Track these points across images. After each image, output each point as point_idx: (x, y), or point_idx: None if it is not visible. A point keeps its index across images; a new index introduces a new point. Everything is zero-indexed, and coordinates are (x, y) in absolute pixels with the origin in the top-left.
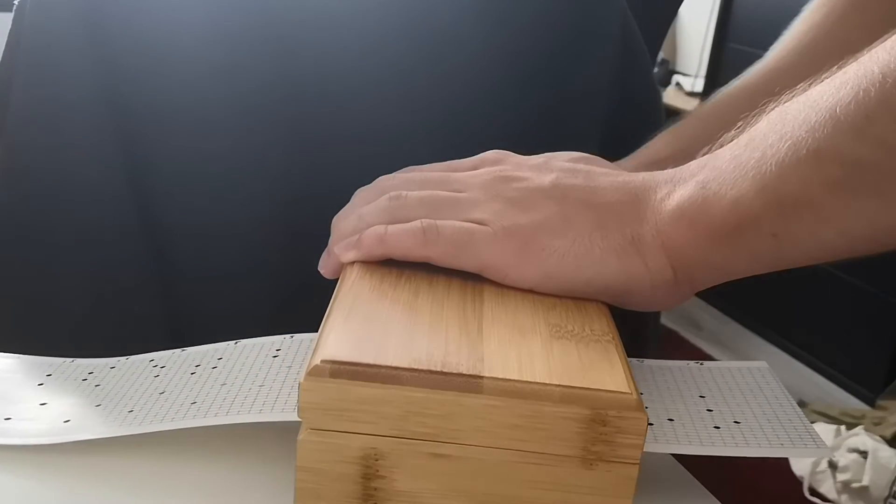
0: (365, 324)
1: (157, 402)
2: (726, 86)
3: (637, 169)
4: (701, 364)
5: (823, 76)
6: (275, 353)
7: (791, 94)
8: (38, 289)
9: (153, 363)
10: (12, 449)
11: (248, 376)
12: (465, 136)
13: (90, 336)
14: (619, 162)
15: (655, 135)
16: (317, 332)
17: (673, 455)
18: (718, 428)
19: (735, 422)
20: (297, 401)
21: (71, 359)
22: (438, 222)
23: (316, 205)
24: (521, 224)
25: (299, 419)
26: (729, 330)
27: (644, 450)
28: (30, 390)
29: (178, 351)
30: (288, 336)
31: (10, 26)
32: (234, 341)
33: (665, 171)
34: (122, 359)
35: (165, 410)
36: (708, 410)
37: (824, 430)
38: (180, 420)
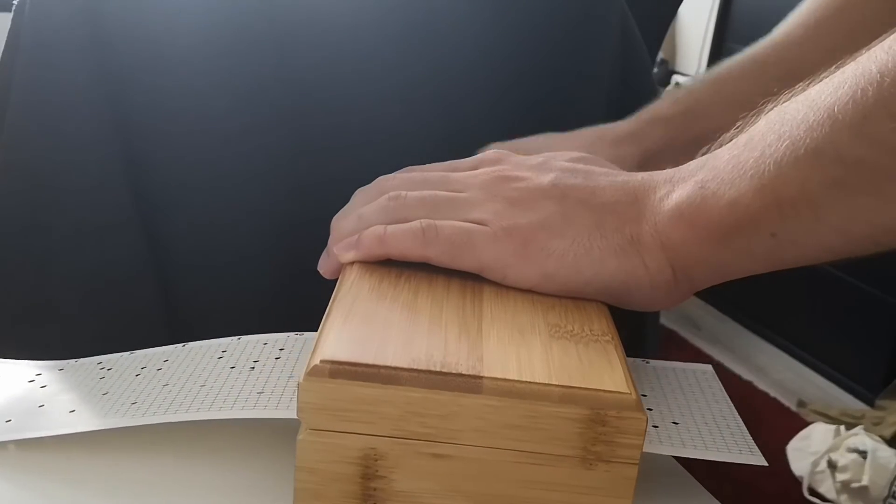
0: (364, 324)
1: (98, 402)
2: (733, 56)
3: (639, 123)
4: (647, 362)
5: (822, 75)
6: (220, 355)
7: (790, 94)
8: (36, 285)
9: (101, 366)
10: None
11: (190, 377)
12: (463, 135)
13: (88, 332)
14: (623, 121)
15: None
16: (283, 333)
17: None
18: (656, 427)
19: (673, 422)
20: (297, 400)
21: (24, 361)
22: (438, 222)
23: (315, 202)
24: (521, 224)
25: (237, 416)
26: (728, 330)
27: None
28: None
29: (125, 354)
30: (235, 338)
31: (9, 26)
32: (182, 344)
33: (664, 171)
34: (72, 361)
35: (105, 410)
36: (648, 409)
37: (823, 430)
38: (119, 418)
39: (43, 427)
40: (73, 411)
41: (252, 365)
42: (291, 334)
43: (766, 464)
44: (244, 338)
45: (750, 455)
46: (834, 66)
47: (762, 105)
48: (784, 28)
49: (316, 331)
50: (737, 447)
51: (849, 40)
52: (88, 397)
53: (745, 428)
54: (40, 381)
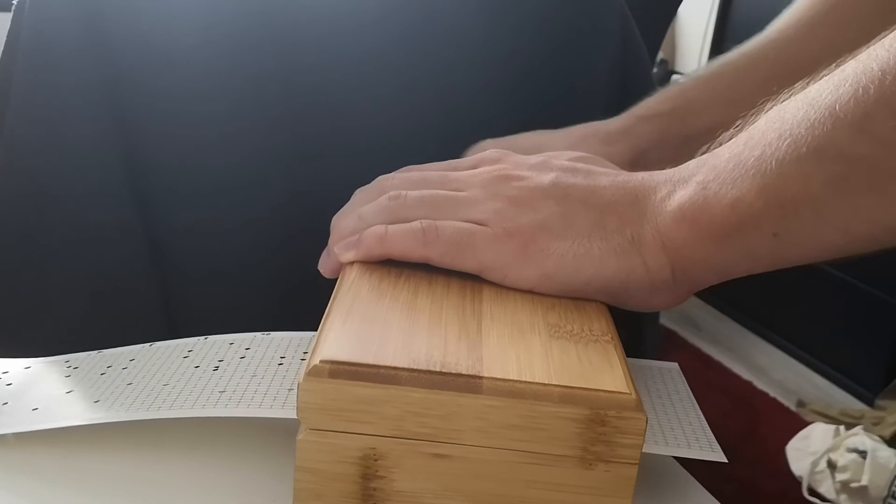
0: (364, 324)
1: (61, 400)
2: (725, 54)
3: (631, 120)
4: None
5: (822, 74)
6: (185, 354)
7: (789, 93)
8: (36, 288)
9: (68, 364)
10: None
11: (154, 376)
12: (463, 136)
13: (88, 335)
14: (615, 119)
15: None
16: (250, 333)
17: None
18: None
19: None
20: (297, 400)
21: None
22: (438, 223)
23: (315, 204)
24: (521, 224)
25: (196, 415)
26: (728, 330)
27: None
28: None
29: (93, 353)
30: (202, 338)
31: (8, 26)
32: (149, 343)
33: (664, 170)
34: (39, 360)
35: (67, 409)
36: None
37: (823, 429)
38: (81, 416)
39: (4, 425)
40: (36, 409)
41: (216, 364)
42: (258, 334)
43: (726, 460)
44: (211, 337)
45: (710, 451)
46: (834, 65)
47: (762, 104)
48: (777, 25)
49: (314, 331)
50: (697, 443)
51: (841, 36)
52: (52, 395)
53: (706, 424)
54: (6, 378)
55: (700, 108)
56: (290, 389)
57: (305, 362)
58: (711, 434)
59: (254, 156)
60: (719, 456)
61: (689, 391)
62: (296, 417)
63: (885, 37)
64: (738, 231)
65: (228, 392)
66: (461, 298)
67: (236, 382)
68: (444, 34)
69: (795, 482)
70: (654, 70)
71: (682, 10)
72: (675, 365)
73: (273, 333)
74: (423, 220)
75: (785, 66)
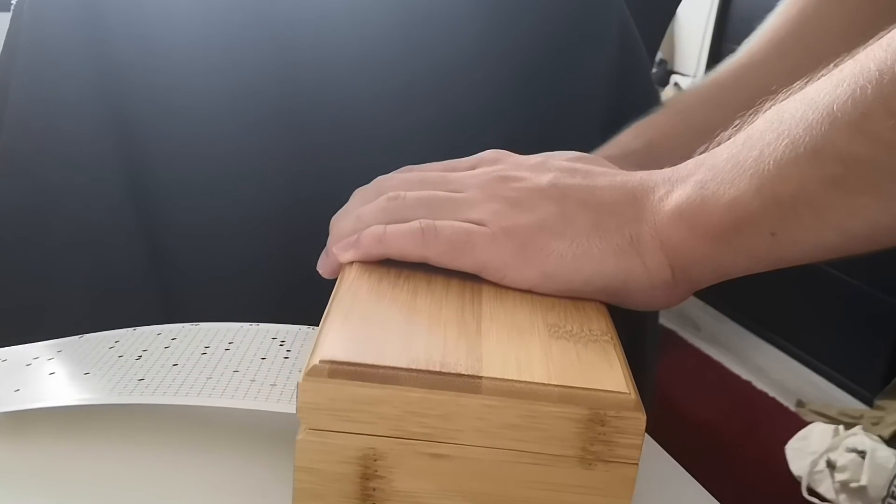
0: (363, 324)
1: None
2: (696, 80)
3: (606, 157)
4: None
5: (821, 74)
6: (111, 345)
7: (788, 93)
8: (35, 288)
9: None
10: None
11: (77, 365)
12: (463, 138)
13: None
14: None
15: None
16: (178, 324)
17: (671, 455)
18: None
19: None
20: (296, 400)
21: None
22: (437, 223)
23: (315, 205)
24: (520, 224)
25: (114, 402)
26: (727, 330)
27: None
28: None
29: (25, 346)
30: (130, 329)
31: (8, 26)
32: (79, 336)
33: (663, 170)
34: None
35: None
36: None
37: (822, 429)
38: (4, 407)
39: None
40: None
41: (140, 354)
42: (187, 325)
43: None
44: (139, 329)
45: None
46: (832, 65)
47: (760, 103)
48: (748, 47)
49: (248, 322)
50: None
51: (809, 58)
52: None
53: None
54: None
55: (670, 143)
56: (208, 378)
57: (307, 360)
58: None
59: (253, 155)
60: None
61: None
62: (211, 405)
63: (882, 37)
64: (735, 230)
65: (147, 380)
66: (460, 298)
67: (156, 371)
68: (443, 34)
69: (794, 482)
70: (654, 70)
71: (681, 10)
72: None
73: (202, 324)
74: (421, 221)
75: (751, 96)
